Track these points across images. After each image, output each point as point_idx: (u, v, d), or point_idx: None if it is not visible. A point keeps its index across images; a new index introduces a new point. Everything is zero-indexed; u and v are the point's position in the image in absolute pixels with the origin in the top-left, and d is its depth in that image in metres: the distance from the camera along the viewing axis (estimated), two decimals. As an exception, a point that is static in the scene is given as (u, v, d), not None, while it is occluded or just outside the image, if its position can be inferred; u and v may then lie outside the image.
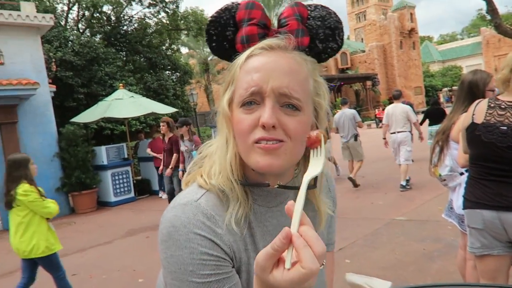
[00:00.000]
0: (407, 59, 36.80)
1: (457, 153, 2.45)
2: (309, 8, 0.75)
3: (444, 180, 2.78)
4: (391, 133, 7.10)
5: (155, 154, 9.10)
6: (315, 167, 0.63)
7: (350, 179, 7.45)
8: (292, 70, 0.68)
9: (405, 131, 7.00)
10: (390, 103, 9.26)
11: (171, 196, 6.66)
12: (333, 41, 0.74)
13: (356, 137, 7.54)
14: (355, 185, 7.45)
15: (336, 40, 0.75)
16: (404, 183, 6.91)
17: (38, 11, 9.67)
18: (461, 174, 2.64)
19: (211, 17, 0.74)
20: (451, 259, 3.66)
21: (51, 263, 3.47)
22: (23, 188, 3.34)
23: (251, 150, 0.68)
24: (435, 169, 2.77)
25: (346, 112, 7.65)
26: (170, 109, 10.28)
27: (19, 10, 8.79)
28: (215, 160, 0.74)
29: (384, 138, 7.51)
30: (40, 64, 8.85)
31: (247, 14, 0.71)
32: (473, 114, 2.00)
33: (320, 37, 0.73)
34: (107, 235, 6.50)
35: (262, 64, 0.68)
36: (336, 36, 0.74)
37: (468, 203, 2.07)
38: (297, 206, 0.54)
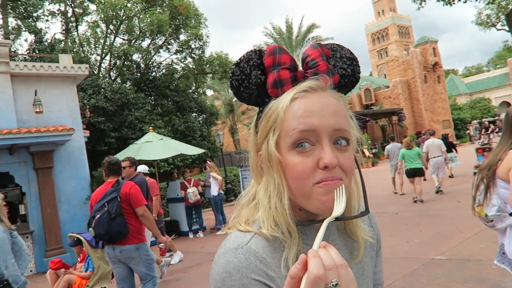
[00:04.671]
0: (432, 93, 36.44)
1: (504, 192, 2.33)
2: (328, 47, 0.79)
3: (491, 221, 2.53)
4: (431, 158, 10.15)
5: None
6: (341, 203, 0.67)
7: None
8: (337, 107, 0.71)
9: (441, 156, 10.19)
10: (418, 137, 12.36)
11: None
12: (352, 75, 0.78)
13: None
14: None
15: (354, 75, 0.79)
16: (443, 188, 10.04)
17: (74, 62, 10.31)
18: (511, 214, 2.44)
19: (236, 65, 0.75)
20: (499, 302, 3.41)
21: None
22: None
23: (311, 191, 0.68)
24: (480, 208, 2.58)
25: (396, 145, 11.16)
26: (197, 150, 10.46)
27: (57, 62, 9.40)
28: (264, 206, 0.74)
29: (427, 160, 10.16)
30: (75, 111, 9.29)
31: (277, 60, 0.73)
32: None
33: (341, 73, 0.77)
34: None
35: (310, 105, 0.69)
36: (354, 70, 0.79)
37: None
38: (317, 239, 0.58)
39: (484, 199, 2.51)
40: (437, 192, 9.96)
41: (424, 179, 10.74)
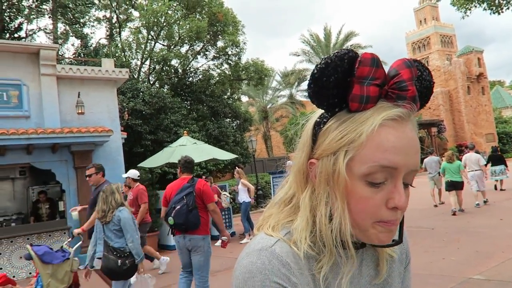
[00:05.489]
0: (476, 104, 34.94)
1: None
2: (416, 66, 0.71)
3: None
4: (469, 171, 10.25)
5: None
6: None
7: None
8: (418, 145, 0.68)
9: (479, 169, 10.32)
10: (459, 150, 12.69)
11: None
12: (426, 99, 0.75)
13: (439, 173, 10.82)
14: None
15: (428, 98, 0.75)
16: (481, 202, 10.18)
17: (115, 66, 10.71)
18: None
19: (323, 64, 0.66)
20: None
21: None
22: None
23: (371, 226, 0.67)
24: None
25: (433, 158, 11.41)
26: (230, 155, 10.54)
27: (100, 65, 9.81)
28: (306, 217, 0.71)
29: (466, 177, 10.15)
30: (114, 113, 9.64)
31: (372, 73, 0.65)
32: None
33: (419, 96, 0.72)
34: (169, 278, 6.56)
35: (398, 140, 0.65)
36: (429, 95, 0.75)
37: None
38: None
39: None
40: (477, 206, 10.10)
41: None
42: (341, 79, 0.66)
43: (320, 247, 0.70)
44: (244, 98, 30.49)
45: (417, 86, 0.70)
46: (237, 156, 11.60)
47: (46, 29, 18.10)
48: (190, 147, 9.56)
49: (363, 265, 0.77)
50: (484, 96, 35.71)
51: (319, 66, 0.66)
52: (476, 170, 10.28)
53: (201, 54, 18.79)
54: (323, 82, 0.66)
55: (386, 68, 0.68)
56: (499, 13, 14.50)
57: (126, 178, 7.08)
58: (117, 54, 17.20)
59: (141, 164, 10.23)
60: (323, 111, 0.72)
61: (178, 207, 4.25)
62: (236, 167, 10.48)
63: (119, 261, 3.97)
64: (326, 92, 0.67)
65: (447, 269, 5.34)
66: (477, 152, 12.72)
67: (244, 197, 9.30)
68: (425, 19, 62.75)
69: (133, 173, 6.98)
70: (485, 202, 10.47)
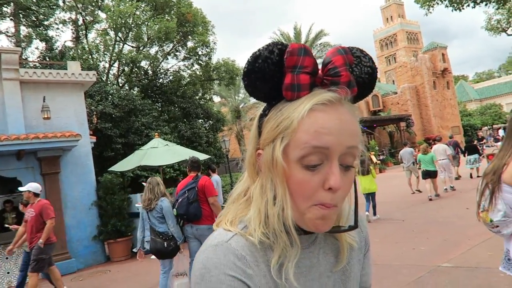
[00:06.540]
0: (441, 99, 36.14)
1: (510, 198, 2.26)
2: (353, 53, 0.74)
3: (497, 226, 2.44)
4: (438, 160, 11.09)
5: None
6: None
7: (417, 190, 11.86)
8: (354, 127, 0.69)
9: (446, 159, 11.41)
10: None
11: None
12: (369, 87, 0.76)
13: (414, 163, 12.16)
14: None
15: (371, 86, 0.76)
16: (448, 187, 11.53)
17: (82, 69, 10.44)
18: None
19: (253, 58, 0.68)
20: (506, 311, 3.33)
21: None
22: None
23: (308, 210, 0.69)
24: (485, 214, 2.51)
25: (407, 150, 12.35)
26: (203, 156, 10.47)
27: (66, 69, 9.52)
28: (258, 208, 0.72)
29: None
30: (82, 117, 9.38)
31: (301, 61, 0.67)
32: None
33: (359, 82, 0.73)
34: (141, 283, 6.45)
35: (328, 121, 0.66)
36: (372, 82, 0.75)
37: None
38: None
39: (489, 204, 2.44)
40: (445, 190, 11.38)
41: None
42: (274, 71, 0.69)
43: (274, 235, 0.71)
44: (216, 99, 30.39)
45: (356, 72, 0.73)
46: (210, 156, 11.52)
47: (7, 32, 17.41)
48: (162, 149, 9.43)
49: (321, 253, 0.79)
50: (449, 90, 36.99)
51: (249, 59, 0.69)
52: (443, 159, 11.35)
53: (171, 55, 18.57)
54: (255, 75, 0.69)
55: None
56: (460, 10, 15.06)
57: (24, 192, 6.06)
58: (84, 57, 16.72)
59: (112, 168, 10.01)
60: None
61: (181, 199, 4.86)
62: (209, 169, 10.41)
63: (165, 243, 4.71)
64: (261, 84, 0.70)
65: (417, 258, 5.51)
66: (456, 144, 14.16)
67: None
68: (391, 16, 64.35)
69: (34, 186, 6.07)
70: (451, 188, 11.59)
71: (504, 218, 2.41)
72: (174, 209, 4.87)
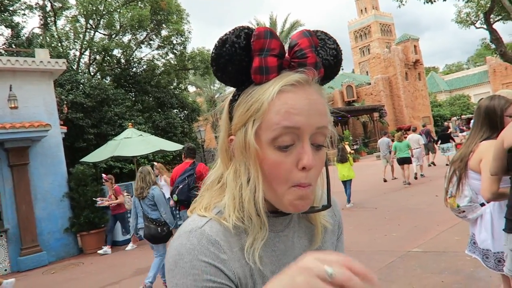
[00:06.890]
0: (413, 90, 37.04)
1: (476, 183, 2.36)
2: (318, 35, 0.76)
3: (463, 211, 2.55)
4: (412, 148, 11.56)
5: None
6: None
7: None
8: (322, 106, 0.70)
9: (419, 148, 12.14)
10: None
11: None
12: (335, 68, 0.77)
13: (390, 152, 12.31)
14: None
15: (337, 68, 0.78)
16: (418, 175, 12.12)
17: (51, 57, 10.05)
18: (482, 205, 2.46)
19: (220, 42, 0.69)
20: (471, 292, 3.49)
21: None
22: None
23: (286, 192, 0.69)
24: (452, 199, 2.61)
25: (385, 139, 12.80)
26: (178, 146, 10.35)
27: (33, 56, 9.15)
28: (232, 193, 0.73)
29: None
30: (52, 106, 9.07)
31: (267, 44, 0.68)
32: None
33: (326, 64, 0.75)
34: (115, 275, 6.37)
35: (297, 102, 0.67)
36: (338, 63, 0.77)
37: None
38: None
39: (457, 190, 2.54)
40: (415, 178, 11.91)
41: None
42: (242, 55, 0.69)
43: (249, 219, 0.72)
44: (192, 88, 30.01)
45: (322, 55, 0.75)
46: (184, 146, 11.40)
47: (-31, 17, 16.53)
48: (136, 140, 9.27)
49: (295, 237, 0.80)
50: (420, 81, 37.96)
51: (216, 44, 0.69)
52: (416, 148, 12.08)
53: (145, 43, 18.18)
54: (223, 59, 0.69)
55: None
56: (431, 2, 15.36)
57: None
58: (53, 45, 16.12)
59: (84, 159, 9.77)
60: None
61: (181, 186, 5.05)
62: (154, 162, 9.74)
63: (159, 228, 4.93)
64: (229, 69, 0.70)
65: (389, 244, 5.68)
66: (427, 132, 15.04)
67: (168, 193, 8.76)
68: (365, 8, 65.08)
69: None
70: (422, 175, 12.27)
71: (470, 204, 2.51)
72: (175, 195, 5.08)
